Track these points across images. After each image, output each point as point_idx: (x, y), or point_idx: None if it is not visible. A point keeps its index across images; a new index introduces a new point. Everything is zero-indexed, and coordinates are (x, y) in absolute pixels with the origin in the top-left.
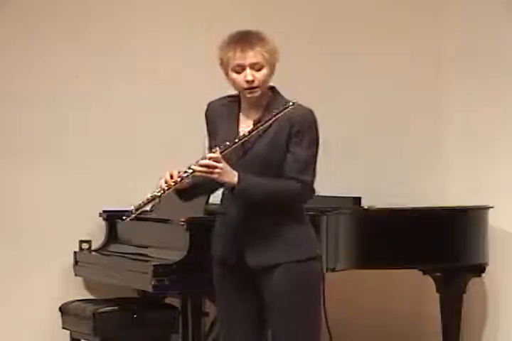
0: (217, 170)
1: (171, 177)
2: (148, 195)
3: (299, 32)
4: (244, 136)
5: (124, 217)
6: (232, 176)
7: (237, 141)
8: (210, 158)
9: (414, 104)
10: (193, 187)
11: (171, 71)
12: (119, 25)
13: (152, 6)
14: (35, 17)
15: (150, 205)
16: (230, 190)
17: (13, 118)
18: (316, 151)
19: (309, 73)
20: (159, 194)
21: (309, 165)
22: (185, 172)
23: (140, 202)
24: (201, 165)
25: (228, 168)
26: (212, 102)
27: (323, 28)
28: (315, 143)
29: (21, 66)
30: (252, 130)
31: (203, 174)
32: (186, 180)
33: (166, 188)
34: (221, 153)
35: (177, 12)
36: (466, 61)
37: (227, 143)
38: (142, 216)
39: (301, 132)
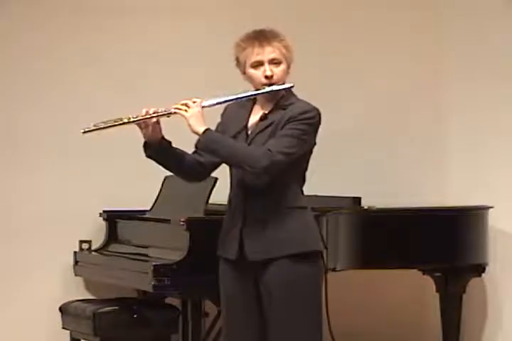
0: (190, 110)
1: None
2: (124, 118)
3: (299, 32)
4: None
5: (82, 130)
6: (200, 124)
7: (224, 99)
8: (193, 101)
9: (414, 104)
10: (164, 145)
11: (170, 72)
12: (121, 27)
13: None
14: (37, 16)
15: (115, 126)
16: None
17: (13, 118)
18: (304, 142)
19: (309, 73)
20: (131, 120)
21: (286, 145)
22: (169, 109)
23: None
24: (181, 104)
25: (201, 117)
26: (229, 104)
27: (323, 27)
28: (305, 134)
29: (22, 66)
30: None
31: (177, 110)
32: (162, 115)
33: (137, 117)
34: (202, 107)
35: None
36: (466, 61)
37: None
38: (142, 216)
39: (293, 119)
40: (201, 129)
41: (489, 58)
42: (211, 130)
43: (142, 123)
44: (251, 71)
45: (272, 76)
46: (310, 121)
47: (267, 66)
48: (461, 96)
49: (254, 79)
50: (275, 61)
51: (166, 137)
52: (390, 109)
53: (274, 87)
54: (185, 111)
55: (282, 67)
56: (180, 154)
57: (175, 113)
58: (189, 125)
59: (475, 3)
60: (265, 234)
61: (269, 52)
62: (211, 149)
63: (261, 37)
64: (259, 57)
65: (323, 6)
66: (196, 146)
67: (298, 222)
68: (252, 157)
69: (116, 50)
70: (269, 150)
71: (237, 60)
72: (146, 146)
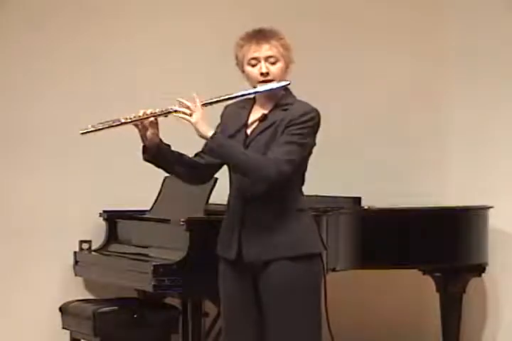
0: (194, 114)
1: (144, 113)
2: (122, 119)
3: (299, 32)
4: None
5: (81, 131)
6: (206, 128)
7: (219, 98)
8: (193, 102)
9: (414, 104)
10: (162, 149)
11: (170, 72)
12: (121, 27)
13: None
14: (37, 16)
15: (112, 127)
16: (204, 147)
17: (14, 118)
18: (306, 146)
19: (309, 73)
20: (128, 120)
21: (291, 153)
22: (166, 109)
23: (108, 120)
24: (180, 104)
25: (204, 120)
26: (228, 105)
27: (323, 27)
28: (306, 138)
29: (22, 66)
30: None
31: (181, 115)
32: (159, 115)
33: (134, 117)
34: (202, 105)
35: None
36: (466, 61)
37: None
38: (142, 216)
39: (294, 122)
40: (209, 134)
41: (489, 58)
42: (219, 134)
43: (139, 124)
44: (248, 69)
45: (267, 73)
46: (311, 123)
47: (262, 63)
48: (461, 97)
49: (251, 77)
50: (272, 59)
51: (164, 138)
52: (390, 109)
53: (272, 85)
54: (190, 115)
55: (279, 65)
56: (179, 157)
57: (175, 111)
58: (196, 130)
59: (475, 3)
60: (264, 235)
61: (265, 49)
62: (219, 154)
63: (259, 35)
64: (255, 54)
65: (324, 6)
66: (203, 150)
67: (298, 223)
68: (261, 170)
69: (116, 50)
70: (275, 160)
71: (237, 58)
72: (145, 150)
